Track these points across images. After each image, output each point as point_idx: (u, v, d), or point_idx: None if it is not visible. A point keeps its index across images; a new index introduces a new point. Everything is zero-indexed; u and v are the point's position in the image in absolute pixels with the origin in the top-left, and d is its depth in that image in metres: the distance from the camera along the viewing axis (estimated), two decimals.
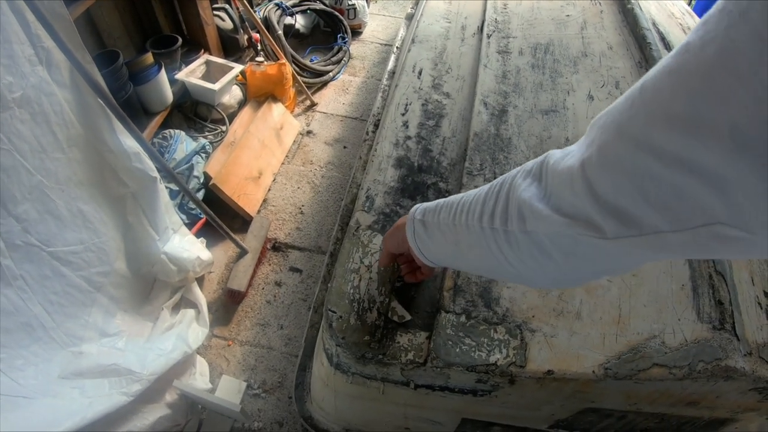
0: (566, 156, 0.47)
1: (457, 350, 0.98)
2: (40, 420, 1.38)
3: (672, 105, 0.33)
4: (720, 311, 0.99)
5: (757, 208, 0.31)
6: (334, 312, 1.08)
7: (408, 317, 1.04)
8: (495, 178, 1.24)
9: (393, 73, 1.87)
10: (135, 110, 2.13)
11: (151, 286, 1.89)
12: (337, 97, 2.87)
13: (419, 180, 1.26)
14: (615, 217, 0.40)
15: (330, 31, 3.11)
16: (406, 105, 1.44)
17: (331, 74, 2.88)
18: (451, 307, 1.03)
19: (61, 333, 1.49)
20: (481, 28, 1.74)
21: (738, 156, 0.29)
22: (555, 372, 0.96)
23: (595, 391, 1.01)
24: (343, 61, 2.98)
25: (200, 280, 2.01)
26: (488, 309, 1.03)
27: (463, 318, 1.02)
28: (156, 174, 1.71)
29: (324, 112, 2.77)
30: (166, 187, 1.90)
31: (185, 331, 1.79)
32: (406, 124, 1.38)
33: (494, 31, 1.70)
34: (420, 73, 1.56)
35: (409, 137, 1.35)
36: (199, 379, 1.81)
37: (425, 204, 0.76)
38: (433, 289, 1.08)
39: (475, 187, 1.20)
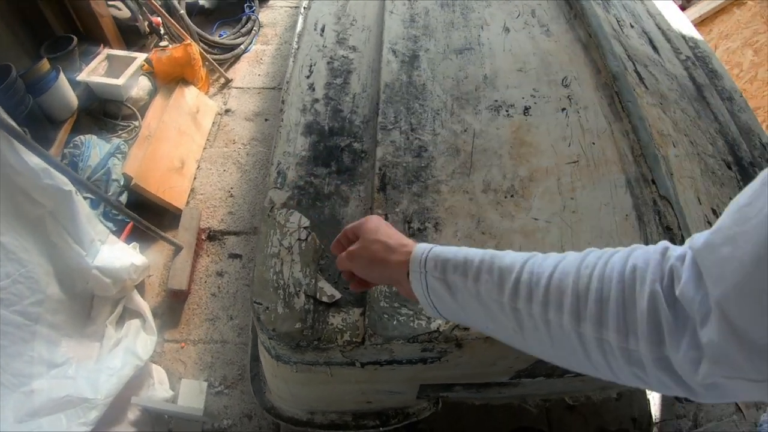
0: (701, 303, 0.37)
1: (394, 323, 0.85)
2: None
3: None
4: (669, 238, 0.89)
5: None
6: (260, 304, 0.92)
7: (338, 295, 0.89)
8: (411, 130, 1.08)
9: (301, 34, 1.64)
10: (39, 122, 1.87)
11: (89, 304, 1.68)
12: (251, 69, 2.60)
13: (332, 144, 1.08)
14: (763, 356, 0.32)
15: (236, 2, 2.78)
16: (311, 66, 1.24)
17: (242, 47, 2.59)
18: None
19: (8, 375, 1.34)
20: None
21: None
22: None
23: None
24: (253, 31, 2.69)
25: (141, 287, 1.80)
26: None
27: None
28: (70, 187, 1.50)
29: (240, 87, 2.50)
30: (86, 198, 1.67)
31: (133, 343, 1.60)
32: (312, 87, 1.19)
33: None
34: (323, 29, 1.35)
35: (316, 100, 1.16)
36: (159, 389, 1.64)
37: (438, 250, 0.57)
38: None
39: (392, 142, 1.05)
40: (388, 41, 1.25)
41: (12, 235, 1.37)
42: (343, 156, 1.07)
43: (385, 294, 0.87)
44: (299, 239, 0.96)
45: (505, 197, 0.94)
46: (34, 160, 1.36)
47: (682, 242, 0.91)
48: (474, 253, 0.54)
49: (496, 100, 1.09)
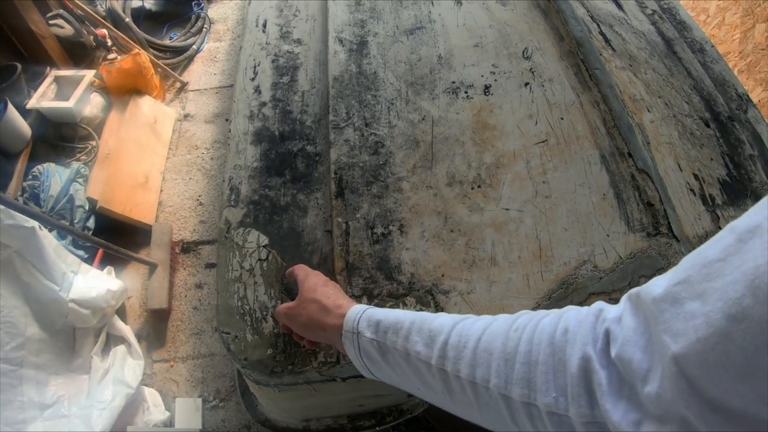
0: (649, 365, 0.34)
1: None
2: None
3: None
4: (651, 214, 0.83)
5: None
6: (228, 333, 0.85)
7: None
8: (366, 125, 0.98)
9: (243, 33, 1.52)
10: None
11: (72, 337, 1.62)
12: (206, 69, 2.46)
13: (284, 150, 0.99)
14: (718, 414, 0.30)
15: (184, 0, 2.60)
16: (255, 67, 1.13)
17: (194, 47, 2.44)
18: (348, 290, 0.82)
19: (1, 425, 1.31)
20: None
21: None
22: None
23: None
24: (204, 29, 2.53)
25: (122, 310, 1.73)
26: (391, 281, 0.82)
27: (365, 300, 0.81)
28: (32, 223, 1.43)
29: (197, 90, 2.37)
30: (51, 230, 1.58)
31: (120, 371, 1.55)
32: (258, 90, 1.08)
33: None
34: (265, 25, 1.23)
35: (263, 104, 1.06)
36: (154, 412, 1.59)
37: (371, 312, 0.57)
38: (324, 270, 0.85)
39: (345, 141, 0.96)
40: (334, 30, 1.14)
41: None
42: (296, 162, 0.97)
43: None
44: (260, 259, 0.88)
45: (472, 188, 0.86)
46: None
47: (665, 218, 0.84)
48: (405, 315, 0.54)
49: (454, 82, 0.99)
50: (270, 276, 0.86)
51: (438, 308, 0.79)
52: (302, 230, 0.90)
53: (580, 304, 0.79)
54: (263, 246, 0.89)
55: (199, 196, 1.97)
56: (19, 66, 1.90)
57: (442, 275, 0.81)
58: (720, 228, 0.90)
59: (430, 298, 0.79)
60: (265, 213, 0.93)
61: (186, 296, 1.75)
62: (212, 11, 2.71)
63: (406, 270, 0.82)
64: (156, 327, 1.72)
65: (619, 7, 1.20)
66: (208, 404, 1.60)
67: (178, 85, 2.31)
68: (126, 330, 1.63)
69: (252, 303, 0.85)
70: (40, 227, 1.45)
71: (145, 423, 1.53)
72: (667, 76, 1.09)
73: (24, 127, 1.85)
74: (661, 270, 0.78)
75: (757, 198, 0.98)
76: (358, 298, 0.81)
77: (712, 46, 1.29)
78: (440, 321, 0.51)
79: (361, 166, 0.92)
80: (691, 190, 0.89)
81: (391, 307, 0.80)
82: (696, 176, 0.92)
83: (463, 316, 0.50)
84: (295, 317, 0.66)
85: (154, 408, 1.60)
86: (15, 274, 1.42)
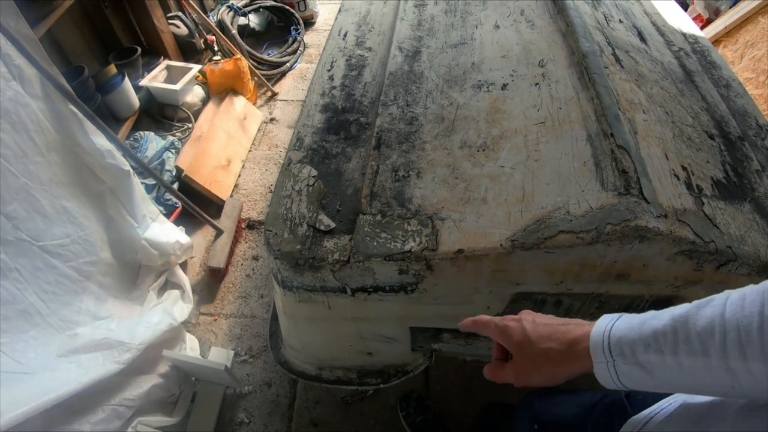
0: None
1: (375, 243, 1.11)
2: (40, 390, 1.51)
3: None
4: (625, 179, 1.01)
5: None
6: (271, 231, 1.20)
7: (333, 225, 1.17)
8: (407, 105, 1.39)
9: (327, 40, 2.01)
10: (105, 118, 2.31)
11: (136, 272, 2.03)
12: (296, 84, 3.08)
13: (343, 119, 1.40)
14: None
15: (284, 26, 3.32)
16: (332, 62, 1.59)
17: (288, 64, 3.08)
18: (368, 209, 1.16)
19: (57, 319, 1.61)
20: None
21: None
22: (465, 250, 1.06)
23: (511, 267, 1.07)
24: (298, 51, 3.19)
25: (183, 266, 2.16)
26: (402, 207, 1.16)
27: (378, 217, 1.15)
28: (128, 168, 1.86)
29: (285, 100, 2.97)
30: (142, 183, 2.06)
31: (171, 307, 1.92)
32: (331, 78, 1.53)
33: None
34: (345, 35, 1.71)
35: (334, 87, 1.50)
36: (190, 353, 1.93)
37: (617, 333, 0.57)
38: (354, 199, 1.21)
39: (389, 114, 1.36)
40: (397, 41, 1.58)
41: (75, 202, 1.68)
42: (350, 127, 1.38)
43: (369, 222, 1.14)
44: (308, 185, 1.26)
45: (478, 151, 1.21)
46: (100, 141, 1.72)
47: (638, 183, 0.99)
48: (660, 323, 0.54)
49: (480, 80, 1.37)
50: (312, 196, 1.23)
51: (434, 229, 1.10)
52: (344, 171, 1.29)
53: (549, 239, 1.06)
54: (312, 176, 1.27)
55: (271, 185, 2.46)
56: (139, 49, 2.52)
57: (442, 207, 1.13)
58: (704, 212, 1.03)
59: (429, 222, 1.12)
60: (319, 157, 1.32)
61: (242, 264, 2.17)
62: (308, 37, 3.39)
63: (416, 202, 1.16)
64: (209, 285, 2.12)
65: (643, 40, 1.54)
66: (239, 358, 1.93)
67: (269, 93, 2.92)
68: (184, 279, 2.04)
69: (294, 213, 1.21)
70: (133, 174, 1.87)
71: (178, 354, 1.87)
72: (676, 95, 1.36)
73: (134, 99, 2.41)
74: (627, 221, 0.95)
75: (758, 206, 1.12)
76: (374, 216, 1.15)
77: (740, 84, 1.53)
78: (704, 317, 0.51)
79: (398, 132, 1.31)
80: (676, 175, 1.06)
81: (397, 225, 1.13)
82: (684, 168, 1.09)
83: (723, 300, 0.51)
84: (532, 379, 0.65)
85: (191, 351, 1.95)
86: (103, 206, 1.82)
